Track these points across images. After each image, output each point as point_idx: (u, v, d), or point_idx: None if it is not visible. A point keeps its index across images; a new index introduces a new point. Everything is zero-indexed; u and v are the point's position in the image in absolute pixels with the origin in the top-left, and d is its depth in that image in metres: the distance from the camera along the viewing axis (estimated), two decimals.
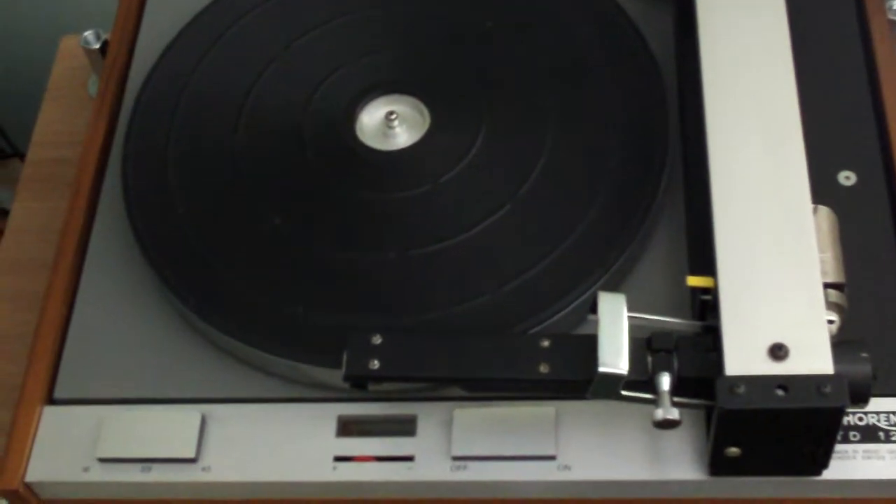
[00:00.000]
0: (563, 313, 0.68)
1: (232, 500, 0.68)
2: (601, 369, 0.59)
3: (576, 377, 0.61)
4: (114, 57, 0.86)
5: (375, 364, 0.62)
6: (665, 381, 0.60)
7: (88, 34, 0.89)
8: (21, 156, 1.14)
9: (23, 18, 1.27)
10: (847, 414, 0.64)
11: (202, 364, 0.71)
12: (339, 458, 0.67)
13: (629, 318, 0.61)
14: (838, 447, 0.63)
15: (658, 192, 0.71)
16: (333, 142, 0.76)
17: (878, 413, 0.65)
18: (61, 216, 0.78)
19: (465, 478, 0.65)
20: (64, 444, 0.69)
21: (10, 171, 1.18)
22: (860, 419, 0.65)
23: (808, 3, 0.78)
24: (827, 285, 0.62)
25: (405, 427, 0.67)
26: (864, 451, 0.64)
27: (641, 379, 0.61)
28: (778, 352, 0.59)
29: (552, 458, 0.65)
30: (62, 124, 0.94)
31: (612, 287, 0.69)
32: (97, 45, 0.89)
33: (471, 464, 0.66)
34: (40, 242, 0.87)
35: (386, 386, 0.65)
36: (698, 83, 0.69)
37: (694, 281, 0.64)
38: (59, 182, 0.90)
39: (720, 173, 0.66)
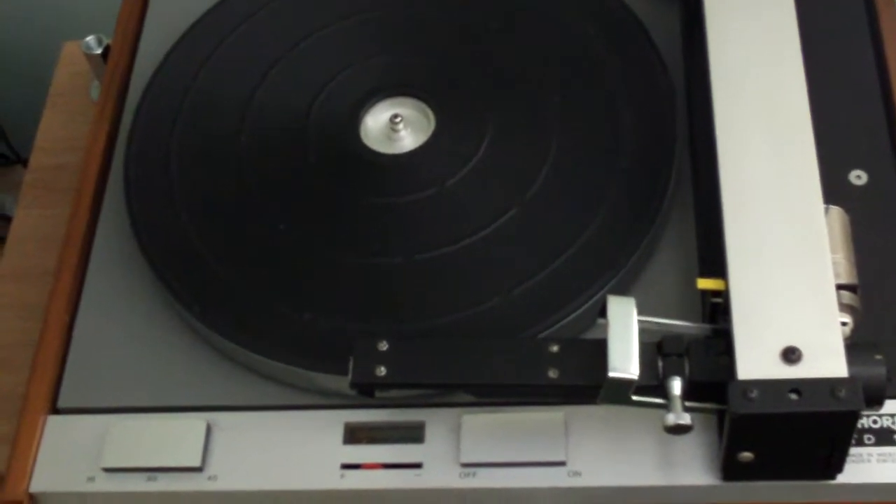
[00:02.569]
0: (571, 317, 0.67)
1: None
2: (611, 374, 0.59)
3: (585, 382, 0.60)
4: (115, 62, 0.85)
5: (382, 371, 0.62)
6: (676, 386, 0.59)
7: (90, 39, 0.88)
8: (24, 161, 1.14)
9: (25, 23, 1.27)
10: (861, 417, 0.63)
11: (207, 372, 0.70)
12: (346, 466, 0.66)
13: (639, 321, 0.60)
14: (852, 450, 0.62)
15: (667, 193, 0.71)
16: (338, 145, 0.76)
17: (892, 415, 0.64)
18: (64, 223, 0.78)
19: (474, 485, 0.65)
20: (68, 454, 0.68)
21: (13, 177, 1.18)
22: (874, 422, 0.64)
23: (816, 1, 0.77)
24: (839, 287, 0.62)
25: (413, 434, 0.66)
26: (879, 455, 0.63)
27: (652, 384, 0.60)
28: (791, 355, 0.58)
29: (562, 464, 0.64)
30: (64, 130, 0.94)
31: (622, 290, 0.68)
32: (99, 51, 0.88)
33: (480, 470, 0.65)
34: (43, 250, 0.86)
35: (393, 392, 0.65)
36: (707, 83, 0.69)
37: (704, 283, 0.63)
38: (61, 188, 0.89)
39: (730, 174, 0.65)
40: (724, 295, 0.62)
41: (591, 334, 0.66)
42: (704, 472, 0.64)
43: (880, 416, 0.64)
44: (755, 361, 0.59)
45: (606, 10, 0.79)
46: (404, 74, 0.79)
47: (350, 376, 0.62)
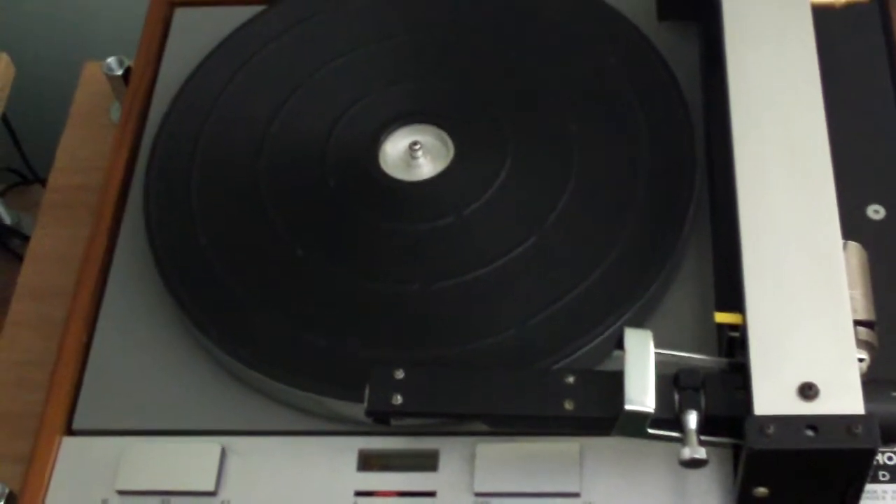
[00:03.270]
0: (588, 348, 0.67)
1: None
2: (627, 407, 0.59)
3: (601, 414, 0.60)
4: (137, 84, 0.85)
5: (398, 399, 0.61)
6: (692, 420, 0.59)
7: (111, 60, 0.89)
8: (42, 181, 1.14)
9: (46, 43, 1.27)
10: (878, 453, 0.63)
11: (222, 396, 0.70)
12: (359, 493, 0.66)
13: (656, 354, 0.60)
14: (868, 487, 0.62)
15: (685, 225, 0.71)
16: (357, 172, 0.76)
17: None
18: (82, 243, 0.78)
19: None
20: (82, 476, 0.68)
21: (32, 197, 1.18)
22: (890, 458, 0.64)
23: (836, 33, 0.77)
24: (857, 322, 0.61)
25: (427, 462, 0.66)
26: (894, 492, 0.63)
27: (668, 417, 0.60)
28: (808, 391, 0.58)
29: (576, 495, 0.64)
30: (84, 150, 0.94)
31: (639, 322, 0.68)
32: (120, 72, 0.88)
33: (494, 500, 0.65)
34: (61, 270, 0.86)
35: (408, 420, 0.65)
36: (726, 115, 0.69)
37: (722, 317, 0.63)
38: (80, 209, 0.89)
39: (748, 207, 0.65)
40: (741, 329, 0.62)
41: (608, 366, 0.66)
42: None
43: (895, 452, 0.64)
44: (772, 397, 0.58)
45: (628, 42, 0.79)
46: (424, 102, 0.79)
47: (366, 404, 0.62)
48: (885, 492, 0.63)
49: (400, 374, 0.62)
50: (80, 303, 0.75)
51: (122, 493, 0.67)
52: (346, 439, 0.68)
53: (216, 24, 0.86)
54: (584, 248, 0.71)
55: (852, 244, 0.65)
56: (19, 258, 0.95)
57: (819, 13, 0.72)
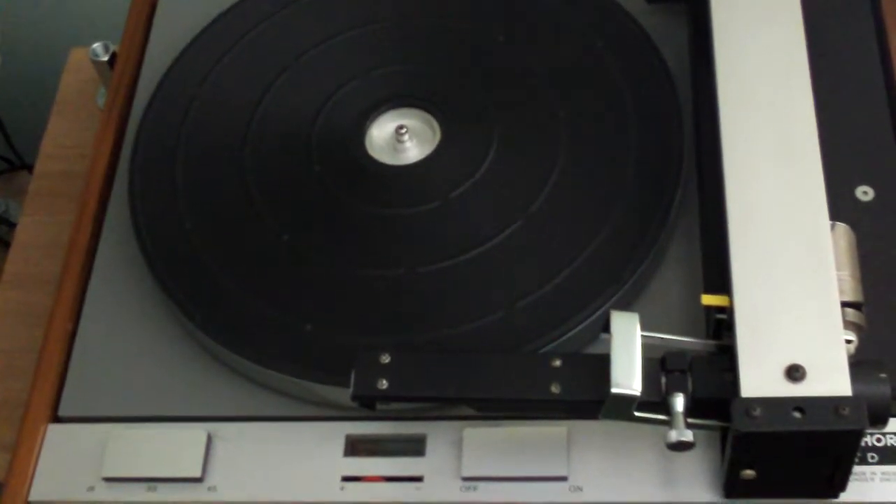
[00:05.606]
0: (575, 331, 0.67)
1: None
2: (614, 390, 0.58)
3: (588, 398, 0.60)
4: (122, 69, 0.85)
5: (384, 384, 0.61)
6: (679, 403, 0.59)
7: (97, 46, 0.88)
8: (29, 168, 1.14)
9: (32, 30, 1.27)
10: (865, 435, 0.63)
11: (208, 382, 0.70)
12: (347, 478, 0.66)
13: (642, 337, 0.60)
14: (856, 469, 0.62)
15: (672, 208, 0.70)
16: (343, 156, 0.76)
17: None
18: (68, 229, 0.78)
19: (475, 499, 0.64)
20: (68, 463, 0.68)
21: (18, 183, 1.18)
22: (878, 440, 0.64)
23: (825, 16, 0.77)
24: (845, 304, 0.61)
25: (414, 447, 0.66)
26: (883, 473, 0.63)
27: (654, 400, 0.59)
28: (795, 373, 0.58)
29: (564, 479, 0.64)
30: (70, 137, 0.94)
31: (625, 305, 0.68)
32: (106, 58, 0.88)
33: (481, 484, 0.65)
34: (47, 256, 0.86)
35: (395, 405, 0.64)
36: (714, 98, 0.68)
37: (709, 300, 0.63)
38: (66, 195, 0.89)
39: (736, 189, 0.65)
40: (728, 311, 0.62)
41: (595, 349, 0.66)
42: (706, 489, 0.63)
43: (884, 434, 0.64)
44: (759, 379, 0.58)
45: (615, 24, 0.79)
46: (410, 85, 0.79)
47: (351, 389, 0.62)
48: (873, 473, 0.63)
49: (386, 359, 0.62)
50: (66, 290, 0.74)
51: (108, 479, 0.67)
52: (333, 424, 0.67)
53: (201, 9, 0.85)
54: (570, 231, 0.70)
55: (840, 225, 0.64)
56: (7, 245, 0.94)
57: None
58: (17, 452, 0.69)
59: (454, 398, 0.63)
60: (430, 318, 0.68)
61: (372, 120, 0.77)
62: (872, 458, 0.63)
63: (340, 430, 0.67)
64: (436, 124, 0.76)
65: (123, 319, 0.73)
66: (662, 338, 0.62)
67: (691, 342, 0.62)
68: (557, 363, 0.61)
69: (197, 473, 0.66)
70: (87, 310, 0.74)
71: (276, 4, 0.84)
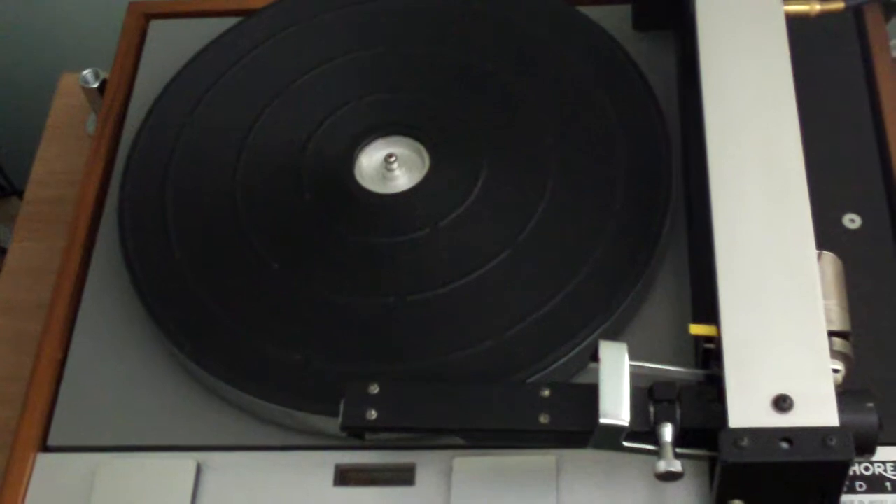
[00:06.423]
0: (563, 361, 0.67)
1: None
2: (602, 420, 0.58)
3: (577, 428, 0.60)
4: (112, 96, 0.85)
5: (373, 414, 0.61)
6: (667, 433, 0.59)
7: (87, 73, 0.88)
8: (19, 193, 1.14)
9: (22, 55, 1.27)
10: (853, 464, 0.63)
11: (198, 411, 0.70)
12: None
13: (631, 366, 0.60)
14: (844, 498, 0.61)
15: (661, 237, 0.70)
16: (332, 185, 0.76)
17: (884, 462, 0.64)
18: (59, 256, 0.77)
19: None
20: (57, 493, 0.68)
21: (8, 209, 1.18)
22: (866, 469, 0.64)
23: (811, 43, 0.77)
24: (832, 333, 0.61)
25: (404, 476, 0.66)
26: (871, 503, 0.63)
27: (643, 430, 0.60)
28: (782, 403, 0.58)
29: None
30: (61, 163, 0.94)
31: (614, 334, 0.68)
32: (96, 84, 0.88)
33: None
34: (37, 282, 0.86)
35: (384, 434, 0.64)
36: (701, 126, 0.69)
37: (697, 329, 0.63)
38: (56, 221, 0.89)
39: (723, 218, 0.65)
40: (716, 341, 0.62)
41: (583, 378, 0.66)
42: None
43: (872, 463, 0.64)
44: (746, 409, 0.58)
45: (603, 52, 0.79)
46: (400, 113, 0.79)
47: (340, 419, 0.62)
48: (861, 502, 0.63)
49: (374, 389, 0.62)
50: (56, 318, 0.74)
51: None
52: (322, 454, 0.67)
53: (191, 37, 0.85)
54: (559, 259, 0.70)
55: (827, 254, 0.65)
56: None
57: (794, 22, 0.73)
58: (7, 481, 0.68)
59: (442, 429, 0.63)
60: (420, 346, 0.68)
61: (361, 148, 0.77)
62: (860, 486, 0.63)
63: (330, 460, 0.67)
64: (425, 152, 0.76)
65: (113, 348, 0.73)
66: (651, 367, 0.62)
67: (680, 372, 0.62)
68: (546, 393, 0.61)
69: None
70: (76, 338, 0.74)
71: (265, 32, 0.84)
